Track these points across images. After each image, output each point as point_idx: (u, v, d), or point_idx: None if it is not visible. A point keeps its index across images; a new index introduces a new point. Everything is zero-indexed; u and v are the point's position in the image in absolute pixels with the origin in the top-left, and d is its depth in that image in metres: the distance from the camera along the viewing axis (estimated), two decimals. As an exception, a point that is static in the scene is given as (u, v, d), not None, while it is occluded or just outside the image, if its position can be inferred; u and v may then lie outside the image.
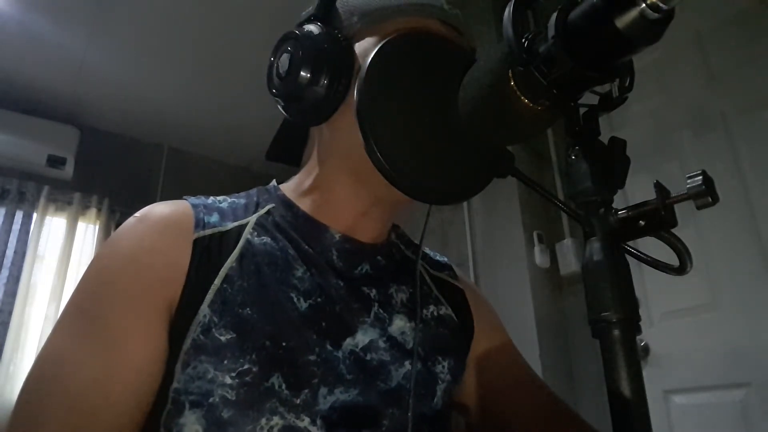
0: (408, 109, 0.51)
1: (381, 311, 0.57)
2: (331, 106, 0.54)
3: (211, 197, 0.59)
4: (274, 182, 0.64)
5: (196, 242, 0.52)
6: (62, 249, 2.86)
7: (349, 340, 0.53)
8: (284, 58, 0.55)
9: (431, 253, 0.72)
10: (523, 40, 0.37)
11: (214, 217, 0.55)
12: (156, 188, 3.31)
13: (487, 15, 2.21)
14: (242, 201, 0.60)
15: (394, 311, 0.58)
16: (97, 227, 2.98)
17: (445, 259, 0.73)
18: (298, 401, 0.48)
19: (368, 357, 0.53)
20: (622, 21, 0.31)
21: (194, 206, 0.55)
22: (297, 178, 0.63)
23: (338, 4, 0.59)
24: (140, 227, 0.53)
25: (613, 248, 0.35)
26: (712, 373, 1.52)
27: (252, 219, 0.57)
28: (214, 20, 2.44)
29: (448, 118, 0.47)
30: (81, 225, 2.97)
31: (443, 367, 0.58)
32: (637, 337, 0.34)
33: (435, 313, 0.62)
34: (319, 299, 0.53)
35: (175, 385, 0.47)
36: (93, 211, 2.98)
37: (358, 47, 0.56)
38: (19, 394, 0.47)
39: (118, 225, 3.06)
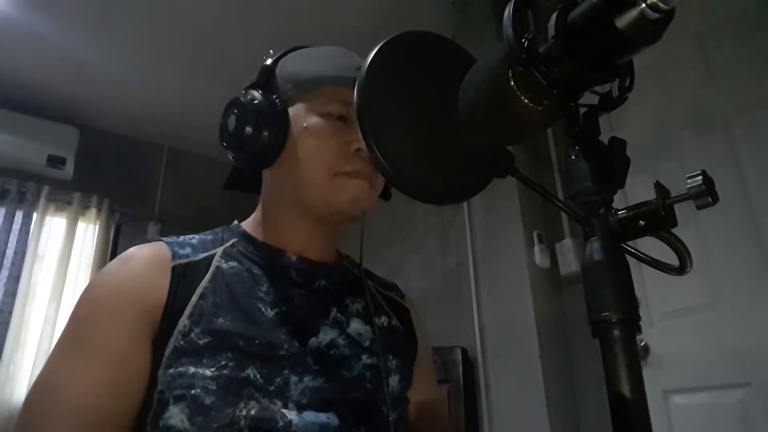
0: (408, 109, 0.51)
1: (339, 314, 0.68)
2: (271, 156, 0.67)
3: (182, 236, 0.69)
4: (236, 222, 0.75)
5: (174, 269, 0.62)
6: (62, 249, 2.86)
7: (313, 339, 0.63)
8: (231, 119, 0.68)
9: (380, 277, 0.84)
10: (523, 40, 0.37)
11: (187, 250, 0.65)
12: (156, 188, 3.32)
13: (487, 15, 2.21)
14: (209, 237, 0.70)
15: (351, 316, 0.69)
16: (97, 227, 2.98)
17: (394, 282, 0.85)
18: (272, 388, 0.56)
19: (331, 352, 0.64)
20: (622, 21, 0.31)
21: (169, 243, 0.65)
22: (253, 215, 0.74)
23: (277, 71, 0.70)
24: (123, 263, 0.62)
25: (613, 248, 0.35)
26: (712, 373, 1.52)
27: (219, 250, 0.67)
28: (214, 20, 2.44)
29: (448, 118, 0.47)
30: (81, 225, 2.98)
31: (392, 364, 0.69)
32: (637, 337, 0.34)
33: (386, 323, 0.73)
34: (283, 307, 0.63)
35: (159, 387, 0.54)
36: (93, 211, 2.99)
37: (292, 110, 0.68)
38: (22, 406, 0.54)
39: (118, 225, 3.07)
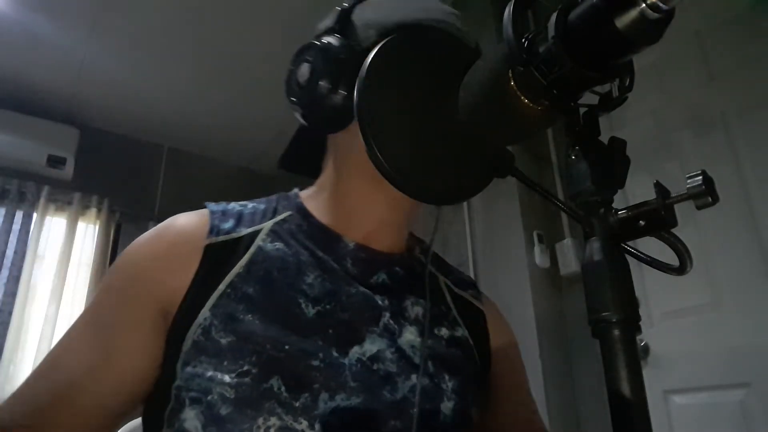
0: (408, 108, 0.51)
1: (391, 322, 0.57)
2: (349, 115, 0.54)
3: (234, 203, 0.62)
4: (296, 190, 0.66)
5: (208, 248, 0.55)
6: (62, 249, 2.86)
7: (356, 348, 0.53)
8: (304, 68, 0.57)
9: (457, 270, 0.71)
10: (523, 40, 0.37)
11: (229, 224, 0.58)
12: (156, 188, 3.32)
13: (487, 15, 2.21)
14: (262, 206, 0.62)
15: (407, 323, 0.58)
16: (97, 227, 2.98)
17: (471, 277, 0.72)
18: (297, 404, 0.48)
19: (375, 366, 0.53)
20: (622, 21, 0.31)
21: (212, 213, 0.59)
22: (315, 185, 0.65)
23: (354, 17, 0.60)
24: (150, 238, 0.58)
25: (613, 248, 0.35)
26: (712, 373, 1.52)
27: (267, 225, 0.59)
28: (214, 20, 2.44)
29: (449, 117, 0.47)
30: (81, 225, 2.98)
31: (448, 386, 0.57)
32: (637, 337, 0.34)
33: (448, 335, 0.61)
34: (327, 306, 0.54)
35: (177, 382, 0.49)
36: (93, 211, 2.98)
37: None
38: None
39: (118, 225, 3.07)
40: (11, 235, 2.77)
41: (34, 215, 2.85)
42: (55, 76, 2.77)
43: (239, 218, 0.59)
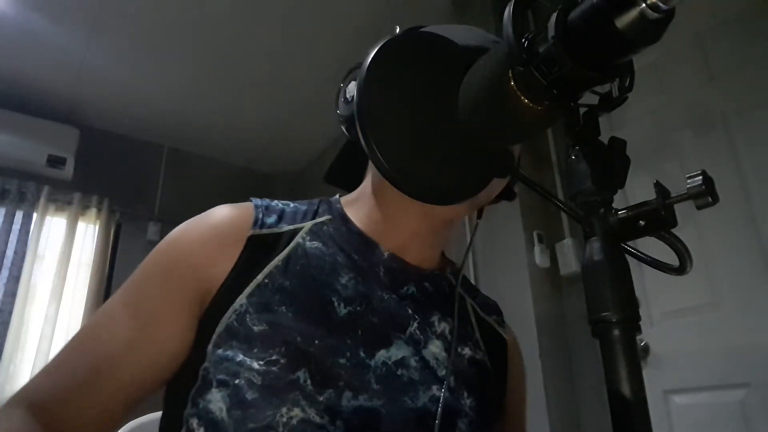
0: (408, 109, 0.51)
1: (417, 332, 0.58)
2: None
3: (277, 200, 0.64)
4: (337, 195, 0.68)
5: (251, 239, 0.57)
6: (62, 249, 2.86)
7: (382, 352, 0.55)
8: (351, 86, 0.59)
9: (484, 294, 0.73)
10: (523, 40, 0.37)
11: (272, 219, 0.60)
12: (156, 188, 3.32)
13: (487, 15, 2.21)
14: (303, 207, 0.64)
15: (433, 336, 0.59)
16: (97, 227, 2.98)
17: (496, 302, 0.74)
18: (321, 398, 0.49)
19: (399, 372, 0.54)
20: (622, 21, 0.31)
21: (256, 206, 0.61)
22: (357, 192, 0.67)
23: None
24: (198, 223, 0.59)
25: (613, 248, 0.35)
26: (712, 373, 1.52)
27: (307, 225, 0.61)
28: (214, 20, 2.44)
29: (448, 117, 0.47)
30: (81, 225, 2.98)
31: (466, 402, 0.58)
32: (637, 337, 0.34)
33: (469, 355, 0.62)
34: (359, 308, 0.56)
35: (205, 364, 0.51)
36: (93, 211, 2.99)
37: None
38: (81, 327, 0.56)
39: (118, 225, 3.07)
40: (11, 235, 2.77)
41: (34, 215, 2.85)
42: (55, 76, 2.77)
43: (281, 215, 0.61)
